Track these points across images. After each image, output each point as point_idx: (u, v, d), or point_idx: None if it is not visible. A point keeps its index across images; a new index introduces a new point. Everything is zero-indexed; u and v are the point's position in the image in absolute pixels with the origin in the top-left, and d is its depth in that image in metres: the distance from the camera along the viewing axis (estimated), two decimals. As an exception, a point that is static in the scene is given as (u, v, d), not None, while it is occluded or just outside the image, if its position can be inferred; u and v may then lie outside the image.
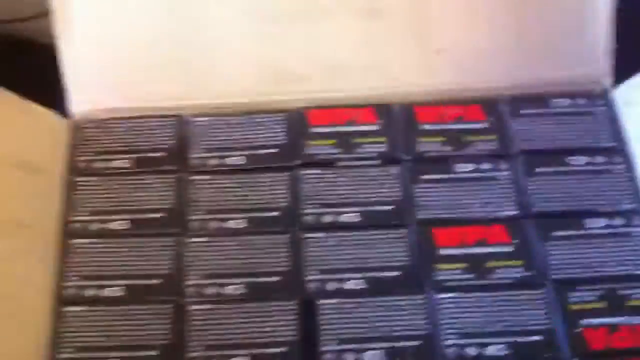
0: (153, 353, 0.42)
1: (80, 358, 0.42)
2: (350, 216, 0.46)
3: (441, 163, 0.47)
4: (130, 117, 0.50)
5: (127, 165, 0.48)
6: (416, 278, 0.43)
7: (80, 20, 0.50)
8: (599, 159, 0.46)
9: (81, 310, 0.43)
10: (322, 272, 0.44)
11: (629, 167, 0.46)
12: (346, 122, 0.49)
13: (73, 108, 0.51)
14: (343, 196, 0.46)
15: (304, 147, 0.48)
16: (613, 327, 0.41)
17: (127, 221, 0.46)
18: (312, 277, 0.44)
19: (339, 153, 0.48)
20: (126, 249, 0.45)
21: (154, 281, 0.44)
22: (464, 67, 0.50)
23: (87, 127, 0.50)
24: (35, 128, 0.48)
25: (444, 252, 0.44)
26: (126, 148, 0.49)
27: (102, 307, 0.43)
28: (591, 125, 0.48)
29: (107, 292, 0.44)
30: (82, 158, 0.49)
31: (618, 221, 0.44)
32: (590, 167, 0.46)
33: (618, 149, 0.47)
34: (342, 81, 0.51)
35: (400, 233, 0.45)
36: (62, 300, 0.43)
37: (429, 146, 0.48)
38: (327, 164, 0.48)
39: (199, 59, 0.51)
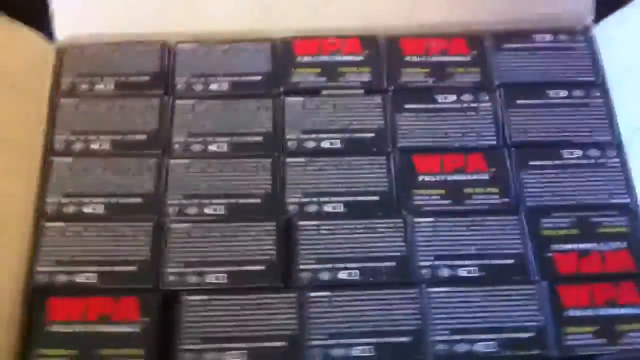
0: (132, 268, 0.42)
1: (58, 271, 0.42)
2: (332, 142, 0.46)
3: (424, 93, 0.48)
4: (114, 43, 0.50)
5: (111, 88, 0.48)
6: (395, 202, 0.44)
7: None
8: (578, 92, 0.47)
9: (62, 226, 0.43)
10: (303, 195, 0.44)
11: (606, 101, 0.47)
12: (331, 52, 0.49)
13: (58, 32, 0.50)
14: (326, 123, 0.47)
15: (288, 75, 0.49)
16: (583, 253, 0.42)
17: (109, 143, 0.46)
18: (292, 200, 0.44)
19: (323, 82, 0.48)
20: (108, 170, 0.45)
21: (135, 200, 0.44)
22: (450, 2, 0.50)
23: (71, 51, 0.50)
24: (23, 50, 0.48)
25: (423, 178, 0.45)
26: (110, 72, 0.49)
27: (82, 223, 0.43)
28: (571, 61, 0.48)
29: (87, 209, 0.44)
30: (67, 80, 0.49)
31: (593, 152, 0.45)
32: (568, 100, 0.47)
33: (596, 84, 0.48)
34: (330, 12, 0.51)
35: (381, 159, 0.45)
36: (43, 215, 0.44)
37: (413, 77, 0.48)
38: (311, 92, 0.48)
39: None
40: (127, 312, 0.41)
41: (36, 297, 0.41)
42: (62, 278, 0.42)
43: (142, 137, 0.47)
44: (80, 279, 0.42)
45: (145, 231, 0.44)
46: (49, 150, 0.46)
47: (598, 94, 0.47)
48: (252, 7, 0.51)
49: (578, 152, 0.45)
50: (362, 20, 0.51)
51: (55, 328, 0.40)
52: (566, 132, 0.46)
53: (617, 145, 0.46)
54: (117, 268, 0.42)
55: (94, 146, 0.46)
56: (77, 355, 0.39)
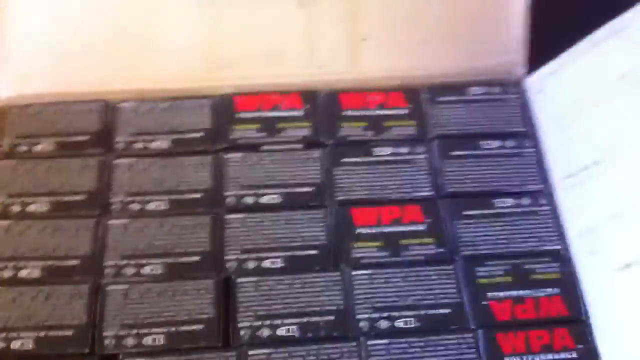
0: (68, 333, 0.42)
1: None
2: (271, 197, 0.47)
3: (361, 147, 0.48)
4: (56, 102, 0.50)
5: (51, 149, 0.48)
6: (333, 256, 0.44)
7: (9, 6, 0.50)
8: (510, 143, 0.48)
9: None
10: (242, 251, 0.45)
11: (538, 150, 0.48)
12: (272, 108, 0.50)
13: (1, 92, 0.50)
14: (265, 178, 0.47)
15: (229, 131, 0.49)
16: (517, 300, 0.43)
17: (47, 203, 0.46)
18: (231, 257, 0.44)
19: (262, 137, 0.49)
20: (45, 232, 0.45)
21: (72, 262, 0.44)
22: (388, 56, 0.52)
23: (12, 111, 0.50)
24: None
25: (360, 230, 0.45)
26: (51, 132, 0.49)
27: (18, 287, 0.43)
28: (504, 112, 0.50)
29: (23, 273, 0.44)
30: (7, 142, 0.49)
31: (525, 201, 0.46)
32: (501, 151, 0.48)
33: (528, 134, 0.49)
34: (272, 68, 0.52)
35: (320, 213, 0.46)
36: None
37: (351, 131, 0.49)
38: (251, 147, 0.48)
39: (128, 44, 0.51)
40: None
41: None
42: (-4, 345, 0.41)
43: (81, 197, 0.47)
44: (15, 345, 0.41)
45: (81, 294, 0.43)
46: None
47: (529, 144, 0.48)
48: (194, 65, 0.51)
49: (510, 201, 0.46)
50: (303, 77, 0.51)
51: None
52: (498, 181, 0.47)
53: (548, 194, 0.46)
54: (52, 333, 0.42)
55: (31, 209, 0.46)
56: None
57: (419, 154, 0.48)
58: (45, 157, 0.48)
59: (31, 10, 0.51)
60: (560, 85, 0.49)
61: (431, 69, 0.52)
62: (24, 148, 0.49)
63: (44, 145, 0.49)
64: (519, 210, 0.46)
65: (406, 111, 0.50)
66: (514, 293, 0.43)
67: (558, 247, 0.45)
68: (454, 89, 0.51)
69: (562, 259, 0.44)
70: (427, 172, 0.47)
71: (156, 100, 0.51)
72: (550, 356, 0.41)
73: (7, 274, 0.44)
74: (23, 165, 0.48)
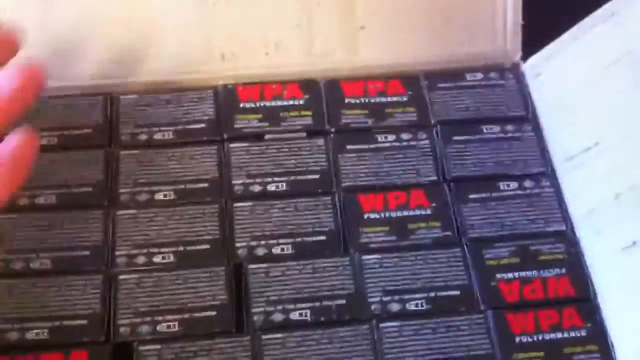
0: (83, 322, 0.42)
1: (8, 329, 0.42)
2: (277, 185, 0.47)
3: (365, 134, 0.49)
4: (57, 96, 0.50)
5: (54, 143, 0.48)
6: (342, 241, 0.45)
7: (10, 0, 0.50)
8: (510, 127, 0.49)
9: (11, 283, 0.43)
10: (251, 238, 0.45)
11: (538, 134, 0.49)
12: (273, 98, 0.50)
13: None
14: (271, 167, 0.48)
15: (232, 121, 0.49)
16: (525, 281, 0.44)
17: (54, 195, 0.46)
18: (241, 244, 0.45)
19: (266, 126, 0.49)
20: (54, 225, 0.45)
21: (83, 253, 0.44)
22: (385, 43, 0.53)
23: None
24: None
25: (368, 216, 0.46)
26: (53, 126, 0.49)
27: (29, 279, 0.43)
28: (502, 97, 0.51)
29: (34, 265, 0.44)
30: (9, 135, 0.48)
31: (528, 183, 0.47)
32: (502, 135, 0.49)
33: (527, 118, 0.50)
34: (271, 58, 0.52)
35: (327, 200, 0.47)
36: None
37: (353, 118, 0.50)
38: (255, 137, 0.49)
39: (130, 38, 0.51)
40: (78, 367, 0.40)
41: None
42: (13, 335, 0.42)
43: (88, 189, 0.47)
44: (30, 335, 0.42)
45: (94, 284, 0.43)
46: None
47: (529, 128, 0.49)
48: (194, 57, 0.52)
49: (514, 184, 0.47)
50: (302, 66, 0.52)
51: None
52: (502, 165, 0.48)
53: (551, 176, 0.47)
54: (67, 322, 0.42)
55: (39, 201, 0.46)
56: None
57: (422, 139, 0.49)
58: (49, 151, 0.48)
59: (30, 3, 0.50)
60: (558, 68, 0.50)
61: (428, 56, 0.53)
62: (27, 141, 0.48)
63: (47, 140, 0.48)
64: (522, 192, 0.47)
65: (406, 98, 0.51)
66: (522, 274, 0.44)
67: (563, 228, 0.46)
68: (452, 75, 0.52)
69: (568, 239, 0.45)
70: (430, 157, 0.48)
71: (158, 92, 0.51)
72: (559, 335, 0.42)
73: (19, 265, 0.44)
74: (28, 159, 0.47)
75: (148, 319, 0.42)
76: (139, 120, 0.49)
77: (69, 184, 0.47)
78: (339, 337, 0.42)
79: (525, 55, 0.53)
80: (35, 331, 0.42)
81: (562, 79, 0.50)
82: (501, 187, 0.47)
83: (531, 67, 0.52)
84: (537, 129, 0.50)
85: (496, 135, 0.49)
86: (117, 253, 0.44)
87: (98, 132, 0.49)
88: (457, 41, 0.53)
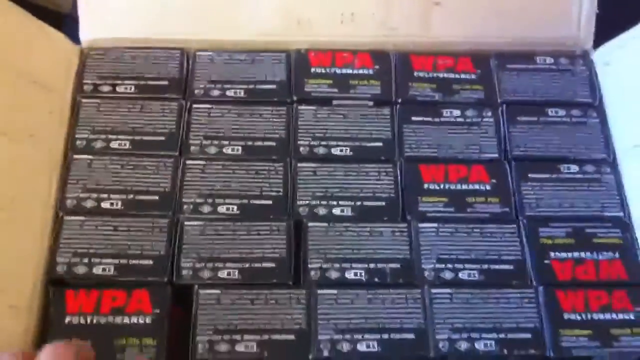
0: (148, 262, 0.44)
1: (76, 262, 0.44)
2: (342, 149, 0.48)
3: (430, 107, 0.50)
4: (135, 47, 0.52)
5: (131, 90, 0.51)
6: (400, 208, 0.46)
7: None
8: (576, 112, 0.50)
9: (81, 220, 0.45)
10: (313, 198, 0.47)
11: (602, 121, 0.50)
12: (344, 65, 0.52)
13: (83, 36, 0.53)
14: (336, 132, 0.49)
15: (302, 85, 0.51)
16: (578, 261, 0.45)
17: (128, 142, 0.48)
18: (302, 202, 0.46)
19: (334, 92, 0.51)
20: (126, 169, 0.47)
21: (152, 197, 0.46)
22: (459, 21, 0.53)
23: (94, 54, 0.52)
24: (51, 50, 0.50)
25: (428, 186, 0.47)
26: (130, 75, 0.51)
27: (100, 217, 0.46)
28: (571, 83, 0.51)
29: (106, 204, 0.46)
30: (89, 81, 0.51)
31: (589, 168, 0.48)
32: (566, 119, 0.49)
33: (593, 105, 0.50)
34: (346, 28, 0.53)
35: (389, 167, 0.48)
36: (64, 209, 0.46)
37: (421, 91, 0.51)
38: (323, 101, 0.50)
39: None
40: (139, 305, 0.43)
41: (54, 289, 0.43)
42: (80, 270, 0.44)
43: (160, 138, 0.49)
44: (97, 270, 0.44)
45: (160, 227, 0.45)
46: (70, 147, 0.48)
47: (595, 115, 0.50)
48: (271, 21, 0.53)
49: (575, 168, 0.48)
50: (375, 37, 0.53)
51: (70, 320, 0.42)
52: (564, 148, 0.48)
53: (612, 163, 0.48)
54: (133, 261, 0.44)
55: (114, 145, 0.48)
56: (92, 346, 0.41)
57: (487, 117, 0.50)
58: (126, 98, 0.50)
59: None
60: (628, 58, 0.50)
61: (500, 37, 0.53)
62: (106, 88, 0.51)
63: (125, 87, 0.50)
64: (583, 176, 0.47)
65: (474, 76, 0.52)
66: (575, 254, 0.45)
67: (620, 214, 0.46)
68: (521, 57, 0.52)
69: (624, 225, 0.46)
70: (493, 135, 0.49)
71: (234, 51, 0.52)
72: (608, 316, 0.43)
73: (90, 204, 0.46)
74: (105, 104, 0.50)
75: (210, 264, 0.44)
76: (213, 76, 0.51)
77: (143, 131, 0.48)
78: (390, 299, 0.43)
79: (596, 44, 0.53)
80: (102, 267, 0.44)
81: (632, 69, 0.50)
82: (562, 170, 0.48)
83: (601, 56, 0.52)
84: (603, 116, 0.50)
85: (561, 119, 0.50)
86: (184, 200, 0.46)
87: (173, 84, 0.51)
88: (530, 24, 0.53)
